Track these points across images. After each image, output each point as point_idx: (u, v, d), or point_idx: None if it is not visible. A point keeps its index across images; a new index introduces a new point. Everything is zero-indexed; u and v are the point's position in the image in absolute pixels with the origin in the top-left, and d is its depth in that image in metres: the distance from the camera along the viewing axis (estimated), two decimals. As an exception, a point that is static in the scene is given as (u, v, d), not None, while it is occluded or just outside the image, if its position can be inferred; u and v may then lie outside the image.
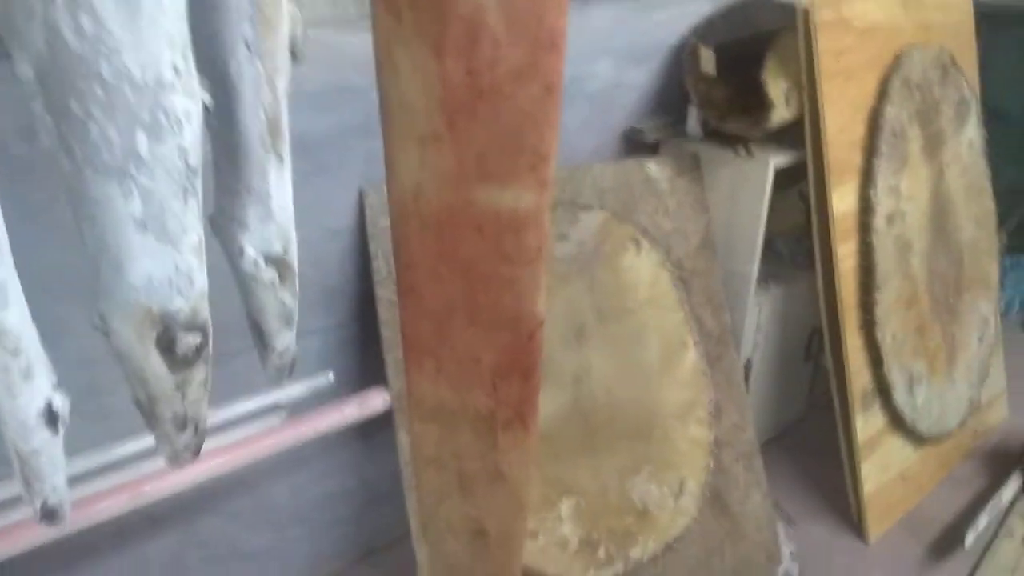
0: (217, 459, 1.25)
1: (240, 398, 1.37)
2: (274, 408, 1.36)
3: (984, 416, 2.42)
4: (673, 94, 2.08)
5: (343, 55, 1.50)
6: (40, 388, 0.64)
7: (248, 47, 0.65)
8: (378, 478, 1.87)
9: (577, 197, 1.89)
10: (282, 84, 0.68)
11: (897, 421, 2.08)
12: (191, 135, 0.61)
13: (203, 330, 0.69)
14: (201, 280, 0.68)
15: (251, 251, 0.73)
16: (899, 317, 2.01)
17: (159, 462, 1.25)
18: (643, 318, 1.91)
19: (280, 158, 0.70)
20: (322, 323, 1.66)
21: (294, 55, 0.69)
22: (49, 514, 0.70)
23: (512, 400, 1.01)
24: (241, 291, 0.77)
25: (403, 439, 1.65)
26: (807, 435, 2.40)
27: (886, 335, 1.96)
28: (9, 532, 1.09)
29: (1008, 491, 2.17)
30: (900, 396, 2.03)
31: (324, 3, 1.51)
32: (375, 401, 1.45)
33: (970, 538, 2.00)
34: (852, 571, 1.98)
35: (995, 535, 2.07)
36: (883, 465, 2.07)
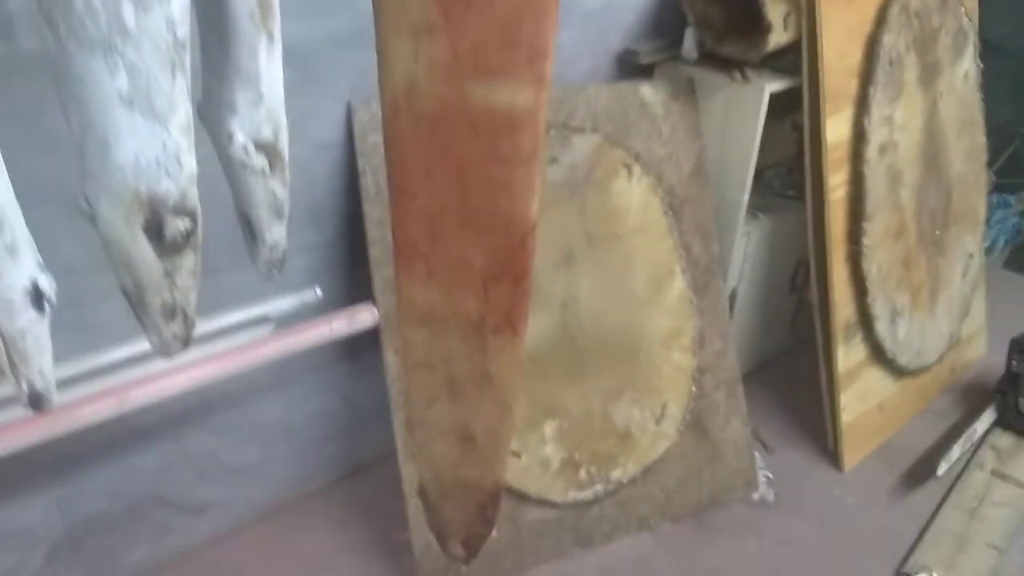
0: (205, 368, 1.24)
1: (228, 310, 1.35)
2: (262, 320, 1.36)
3: (963, 351, 2.46)
4: (670, 15, 2.04)
5: (332, -42, 1.45)
6: (26, 265, 0.62)
7: (237, -88, 0.62)
8: (364, 398, 1.88)
9: (570, 119, 1.86)
10: (273, -44, 0.65)
11: (878, 353, 2.11)
12: (179, 5, 0.59)
13: (192, 215, 0.67)
14: (190, 162, 0.66)
15: (240, 136, 0.71)
16: (886, 249, 2.02)
17: (145, 370, 1.24)
18: (632, 244, 1.90)
19: (271, 36, 0.67)
20: (310, 240, 1.64)
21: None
22: (36, 399, 0.69)
23: (502, 305, 1.00)
24: (230, 181, 0.76)
25: (390, 358, 1.65)
26: (788, 367, 2.44)
27: (872, 266, 1.97)
28: (-3, 433, 1.09)
29: (982, 424, 2.22)
30: (882, 328, 2.05)
31: (312, -99, 1.45)
32: (364, 316, 1.45)
33: (942, 468, 2.05)
34: (826, 497, 2.03)
35: (966, 466, 2.12)
36: (861, 396, 2.11)
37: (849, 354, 2.03)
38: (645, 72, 2.05)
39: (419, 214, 0.92)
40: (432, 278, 0.96)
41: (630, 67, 2.04)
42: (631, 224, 1.90)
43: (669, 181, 1.95)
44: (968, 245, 2.35)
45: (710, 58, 1.97)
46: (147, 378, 1.20)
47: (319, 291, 1.46)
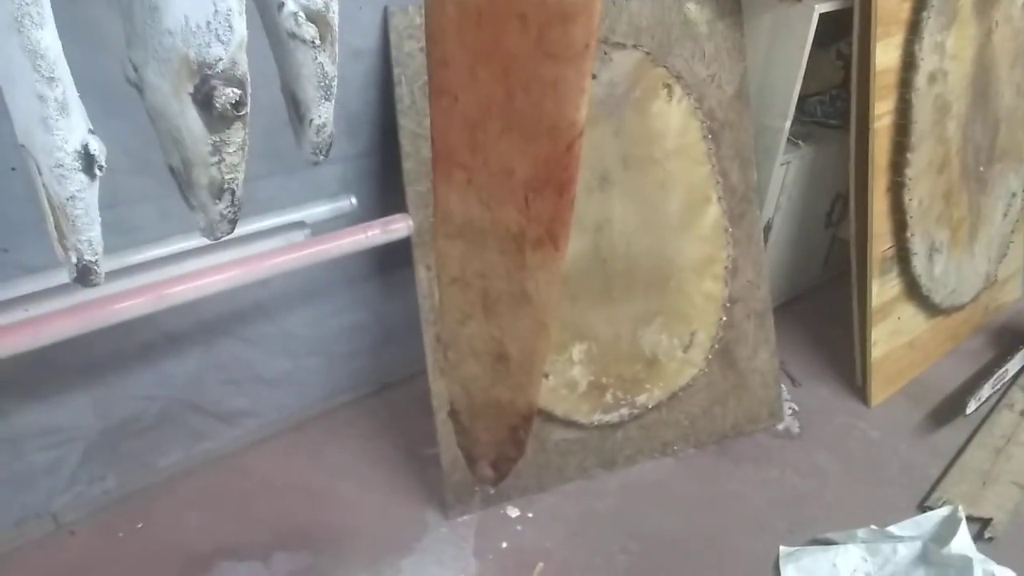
0: (240, 268, 1.24)
1: (263, 214, 1.34)
2: (298, 225, 1.34)
3: (998, 292, 2.42)
4: (718, -69, 1.95)
5: None
6: (77, 126, 0.60)
7: None
8: (395, 313, 1.88)
9: (611, 34, 1.80)
10: None
11: (913, 289, 2.07)
12: None
13: (242, 85, 0.65)
14: (241, 27, 0.63)
15: (291, 4, 0.68)
16: (929, 181, 1.97)
17: (181, 269, 1.24)
18: (669, 168, 1.86)
19: None
20: (344, 151, 1.62)
21: None
22: (84, 271, 0.68)
23: (544, 217, 0.96)
24: (277, 56, 0.73)
25: (422, 274, 1.64)
26: (820, 302, 2.41)
27: (914, 199, 1.92)
28: (34, 324, 1.09)
29: (1014, 365, 2.19)
30: (919, 264, 2.01)
31: None
32: (399, 226, 1.43)
33: (971, 406, 2.03)
34: (851, 431, 2.03)
35: (995, 406, 2.10)
36: (893, 331, 2.08)
37: (883, 289, 2.00)
38: (689, -11, 1.97)
39: (460, 117, 0.88)
40: (471, 186, 0.93)
41: (674, -16, 1.96)
42: (669, 147, 1.86)
43: (710, 104, 1.89)
44: (1011, 184, 2.28)
45: (758, -24, 1.89)
46: (184, 276, 1.20)
47: (353, 200, 1.44)
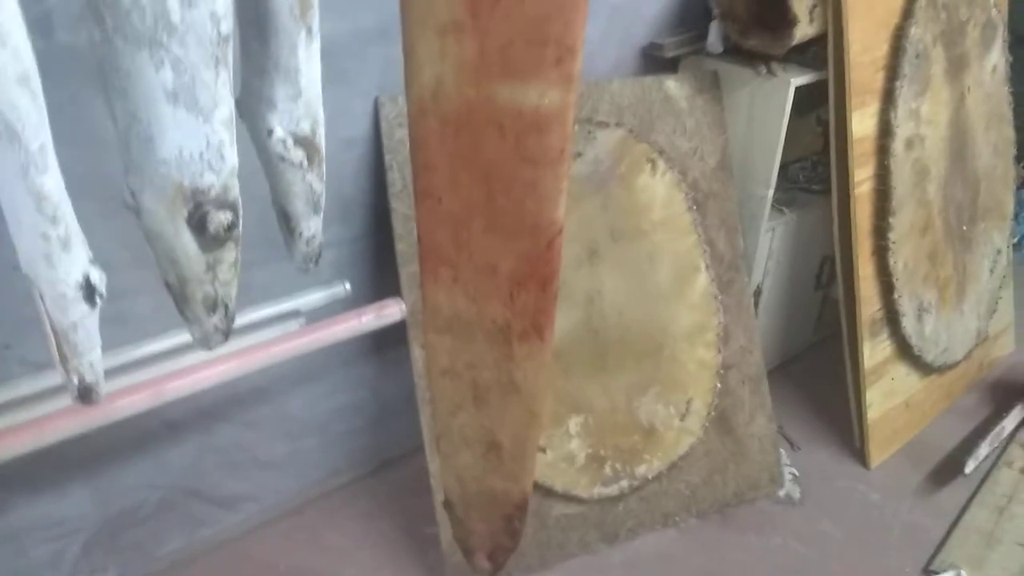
0: (237, 361, 1.26)
1: (260, 304, 1.37)
2: (293, 315, 1.37)
3: (991, 348, 2.44)
4: (695, 9, 2.03)
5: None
6: (78, 259, 0.64)
7: (280, -91, 0.63)
8: (391, 392, 1.90)
9: (594, 114, 1.86)
10: (313, -51, 0.66)
11: (904, 349, 2.09)
12: (223, 0, 0.60)
13: (234, 208, 0.69)
14: (232, 156, 0.67)
15: (280, 131, 0.72)
16: (912, 244, 2.01)
17: (180, 363, 1.26)
18: (656, 240, 1.90)
19: (310, 31, 0.68)
20: (338, 235, 1.66)
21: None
22: (85, 392, 0.71)
23: (529, 310, 0.99)
24: (268, 175, 0.77)
25: (416, 353, 1.66)
26: (814, 363, 2.42)
27: (899, 261, 1.96)
28: (37, 425, 1.11)
29: (1010, 421, 2.19)
30: (909, 324, 2.04)
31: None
32: (392, 310, 1.46)
33: (970, 466, 2.03)
34: (852, 495, 2.02)
35: (995, 464, 2.10)
36: (888, 392, 2.09)
37: (875, 350, 2.02)
38: (670, 65, 2.05)
39: (445, 217, 0.92)
40: (457, 283, 0.96)
41: (655, 60, 2.03)
42: (655, 219, 1.91)
43: (693, 175, 1.95)
44: (995, 241, 2.32)
45: (735, 51, 1.96)
46: (182, 371, 1.22)
47: (348, 286, 1.48)
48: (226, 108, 0.65)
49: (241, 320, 1.32)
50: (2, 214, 0.63)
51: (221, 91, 0.64)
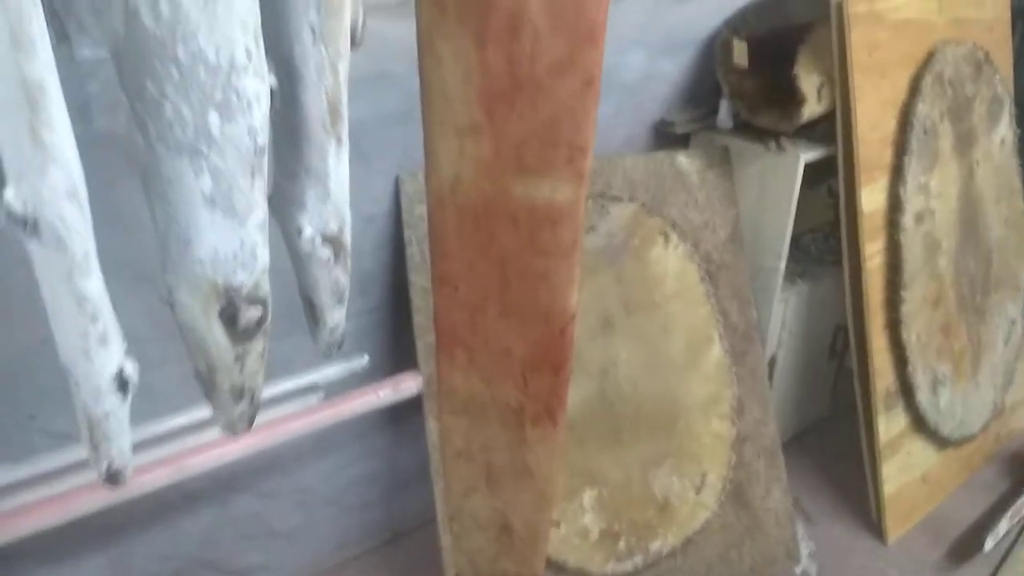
0: (258, 436, 1.28)
1: (280, 378, 1.40)
2: (312, 388, 1.40)
3: (1008, 420, 2.42)
4: (705, 86, 2.09)
5: (384, 43, 1.52)
6: (114, 354, 0.67)
7: (313, 33, 0.68)
8: (407, 463, 1.90)
9: (608, 189, 1.90)
10: (343, 68, 0.71)
11: (920, 423, 2.08)
12: (260, 115, 0.64)
13: (264, 304, 0.72)
14: (264, 255, 0.71)
15: (309, 230, 0.76)
16: (925, 317, 2.01)
17: (201, 437, 1.28)
18: (670, 311, 1.92)
19: (339, 140, 0.72)
20: (358, 307, 1.69)
21: (354, 40, 0.72)
22: (114, 476, 0.73)
23: (542, 394, 1.02)
24: (296, 269, 0.80)
25: (432, 425, 1.68)
26: (830, 434, 2.41)
27: (911, 335, 1.97)
28: (61, 501, 1.13)
29: (1030, 495, 2.16)
30: (924, 397, 2.03)
31: (365, -8, 1.54)
32: (408, 384, 1.48)
33: (989, 543, 2.00)
34: (870, 572, 1.99)
35: (1015, 541, 2.06)
36: (904, 466, 2.07)
37: (890, 424, 2.01)
38: (681, 141, 2.10)
39: (461, 303, 0.95)
40: (473, 366, 0.99)
41: (667, 136, 2.09)
42: (668, 291, 1.93)
43: (705, 248, 1.98)
44: (1010, 312, 2.33)
45: (745, 128, 2.01)
46: (204, 446, 1.24)
47: (366, 359, 1.51)
48: (260, 212, 0.68)
49: (263, 394, 1.34)
50: (26, 294, 0.66)
51: (256, 197, 0.67)
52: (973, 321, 2.18)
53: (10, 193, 0.57)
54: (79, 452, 1.24)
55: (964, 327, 2.15)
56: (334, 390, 1.52)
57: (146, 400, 1.40)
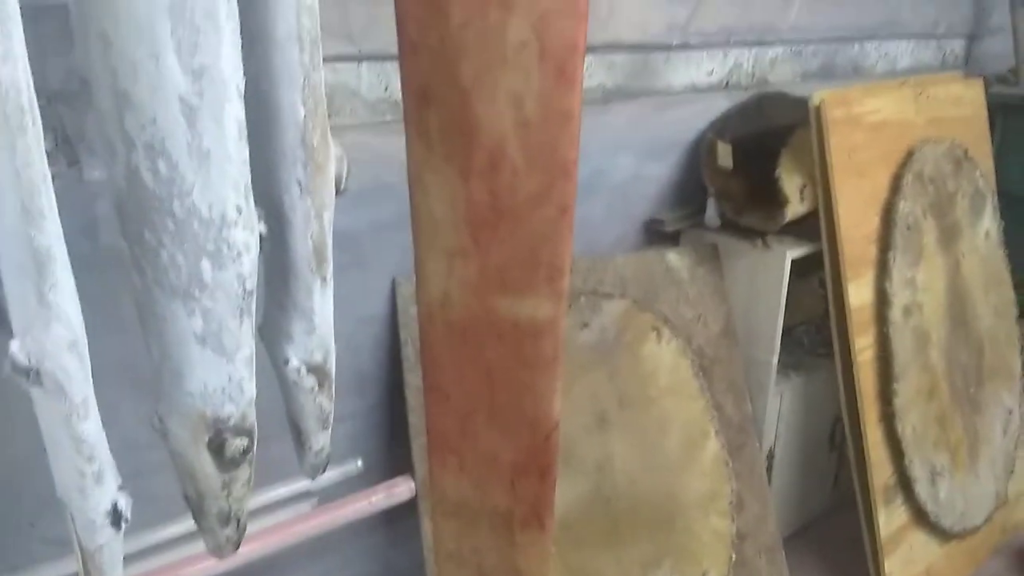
0: (251, 544, 1.30)
1: (273, 484, 1.42)
2: (305, 495, 1.42)
3: (1012, 511, 2.39)
4: (692, 186, 2.17)
5: (381, 156, 1.61)
6: (108, 490, 0.70)
7: (300, 186, 0.74)
8: (403, 564, 1.89)
9: (599, 286, 1.95)
10: (328, 216, 0.77)
11: (920, 516, 2.07)
12: (249, 263, 0.69)
13: (250, 434, 0.76)
14: (250, 389, 0.75)
15: (295, 361, 0.80)
16: (919, 409, 2.03)
17: (198, 545, 1.30)
18: (665, 406, 1.94)
19: (324, 280, 0.78)
20: (353, 407, 1.72)
21: (338, 190, 0.78)
22: (103, 603, 0.75)
23: (529, 498, 1.06)
24: (284, 395, 0.84)
25: (427, 526, 1.68)
26: (833, 527, 2.38)
27: (906, 427, 1.97)
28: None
29: (1040, 588, 2.13)
30: (923, 490, 2.02)
31: (364, 109, 1.63)
32: (401, 489, 1.50)
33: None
34: (880, 669, 1.94)
35: (1027, 635, 2.02)
36: (907, 560, 2.05)
37: (891, 518, 1.99)
38: (671, 239, 2.16)
39: (451, 411, 1.00)
40: (463, 472, 1.03)
41: (657, 234, 2.15)
42: (662, 386, 1.96)
43: (698, 342, 2.01)
44: (1006, 401, 2.33)
45: (732, 226, 2.08)
46: (197, 556, 1.26)
47: (360, 464, 1.53)
48: (247, 349, 0.73)
49: (256, 501, 1.36)
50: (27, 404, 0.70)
51: (244, 336, 0.72)
52: (968, 412, 2.19)
53: (15, 346, 0.61)
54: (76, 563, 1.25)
55: (960, 418, 2.16)
56: (328, 495, 1.53)
57: (144, 506, 1.43)
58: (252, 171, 0.71)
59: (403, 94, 0.88)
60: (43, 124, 0.69)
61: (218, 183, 0.67)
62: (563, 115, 0.84)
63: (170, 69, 0.63)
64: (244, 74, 0.66)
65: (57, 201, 0.70)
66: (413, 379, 1.74)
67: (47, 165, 0.60)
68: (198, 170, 0.66)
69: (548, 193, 0.88)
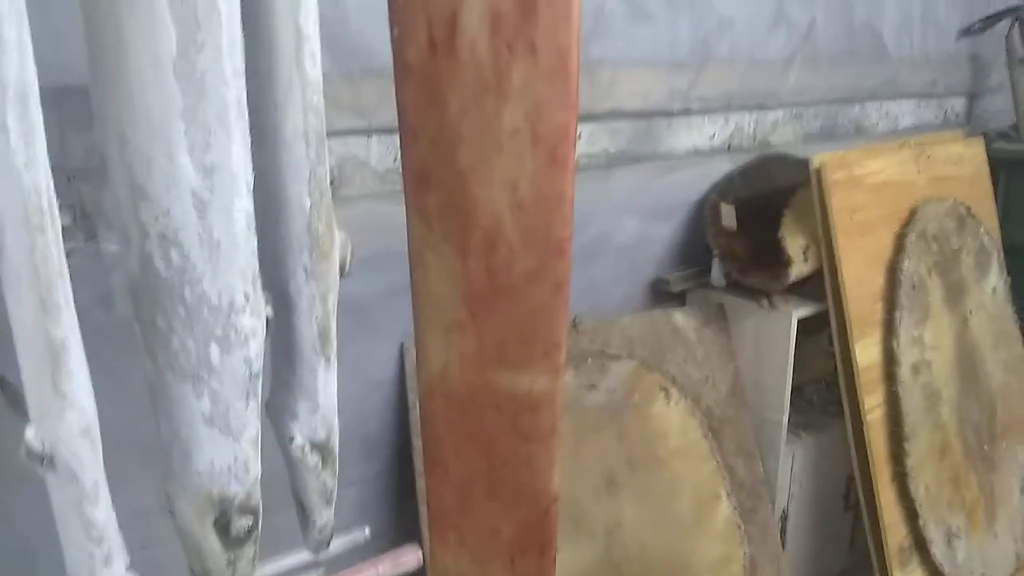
0: (257, 615, 1.29)
1: (279, 554, 1.42)
2: (312, 565, 1.42)
3: (1035, 570, 2.34)
4: (697, 246, 2.19)
5: (389, 224, 1.64)
6: (116, 572, 0.72)
7: (306, 272, 0.77)
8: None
9: (606, 347, 1.97)
10: (332, 299, 0.80)
11: (939, 577, 2.03)
12: (255, 347, 0.72)
13: (255, 513, 0.77)
14: (255, 468, 0.77)
15: (299, 439, 0.82)
16: (932, 468, 2.01)
17: (202, 617, 1.30)
18: (675, 468, 1.94)
19: (328, 360, 0.80)
20: (361, 472, 1.73)
21: (343, 274, 0.81)
22: None
23: (530, 575, 1.06)
24: (288, 471, 0.86)
25: (436, 591, 1.67)
26: (849, 588, 2.34)
27: (919, 487, 1.95)
28: None
29: (1067, 654, 2.07)
30: (939, 551, 1.99)
31: (374, 180, 1.68)
32: (408, 559, 1.50)
33: None
34: None
35: None
36: (928, 624, 2.01)
37: (908, 580, 1.96)
38: (677, 298, 2.18)
39: (451, 486, 1.01)
40: (463, 547, 1.03)
41: (663, 294, 2.17)
42: (672, 447, 1.95)
43: (707, 403, 2.01)
44: (1021, 458, 2.30)
45: (738, 285, 2.09)
46: (203, 628, 1.25)
47: (367, 531, 1.53)
48: (253, 429, 0.75)
49: (262, 572, 1.36)
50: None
51: (250, 417, 0.74)
52: (983, 470, 2.17)
53: (30, 432, 0.64)
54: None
55: (974, 477, 2.13)
56: (336, 563, 1.53)
57: (154, 573, 1.43)
58: (260, 257, 0.74)
59: (403, 177, 0.92)
60: (62, 201, 0.73)
61: (227, 272, 0.70)
62: (556, 197, 0.87)
63: (183, 166, 0.67)
64: (253, 168, 0.70)
65: (74, 274, 0.73)
66: (420, 444, 1.75)
67: (65, 261, 0.64)
68: (208, 259, 0.70)
69: (543, 271, 0.91)
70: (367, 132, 1.63)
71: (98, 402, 0.82)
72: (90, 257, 1.40)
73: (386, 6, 0.90)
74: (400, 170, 1.78)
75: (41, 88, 0.68)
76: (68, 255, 0.72)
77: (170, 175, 0.67)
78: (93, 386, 0.79)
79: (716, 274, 2.12)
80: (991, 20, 2.70)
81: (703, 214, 2.13)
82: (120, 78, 0.67)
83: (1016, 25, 2.65)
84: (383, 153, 1.68)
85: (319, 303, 0.78)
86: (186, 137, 0.65)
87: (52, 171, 0.66)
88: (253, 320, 0.71)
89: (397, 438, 1.78)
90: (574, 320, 1.91)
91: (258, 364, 0.73)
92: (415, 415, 1.75)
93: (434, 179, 0.88)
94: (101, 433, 0.80)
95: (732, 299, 2.09)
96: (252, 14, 0.67)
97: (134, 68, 0.65)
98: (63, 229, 0.68)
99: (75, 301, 0.72)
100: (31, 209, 0.59)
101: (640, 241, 2.13)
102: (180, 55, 0.62)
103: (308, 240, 0.75)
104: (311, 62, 0.72)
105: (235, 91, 0.64)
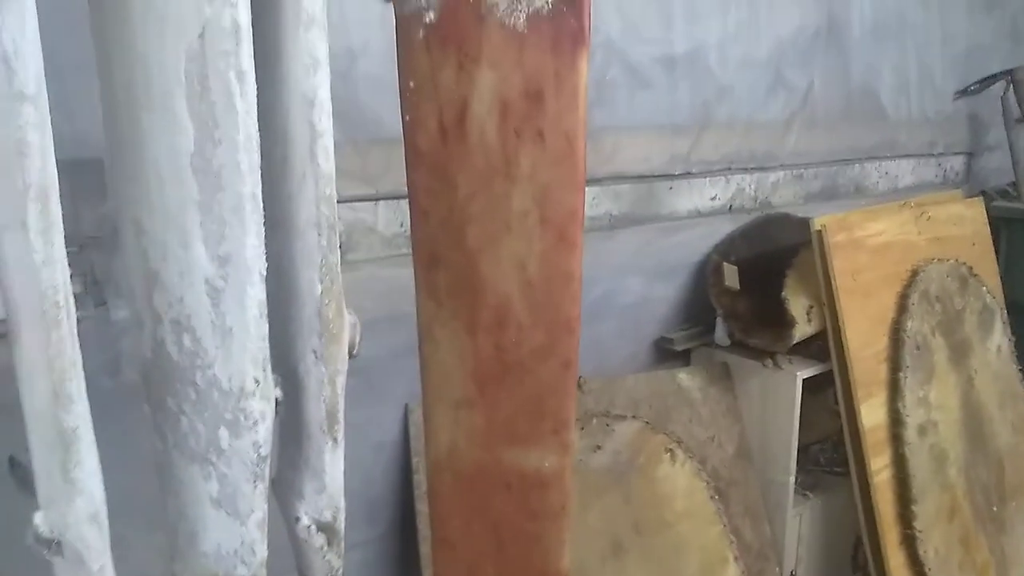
0: None
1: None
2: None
3: (1050, 635, 2.29)
4: (701, 305, 2.20)
5: (395, 287, 1.66)
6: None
7: (315, 355, 0.78)
8: None
9: (611, 408, 1.97)
10: (340, 381, 0.81)
11: (953, 643, 1.99)
12: (264, 431, 0.73)
13: (261, 597, 0.77)
14: (262, 550, 0.77)
15: (305, 519, 0.82)
16: (941, 529, 1.98)
17: None
18: (681, 531, 1.92)
19: (335, 440, 0.81)
20: (365, 536, 1.71)
21: (351, 355, 0.82)
22: None
23: None
24: (294, 550, 0.86)
25: (439, 659, 1.64)
26: (861, 653, 2.29)
27: (929, 550, 1.93)
28: None
29: None
30: (952, 616, 1.96)
31: (380, 244, 1.70)
32: (413, 627, 1.48)
33: None
34: None
35: None
36: None
37: (920, 647, 1.92)
38: (681, 357, 2.18)
39: (458, 563, 1.01)
40: (473, 628, 1.02)
41: (667, 353, 2.17)
42: (678, 509, 1.93)
43: (713, 464, 2.00)
44: (1032, 519, 2.28)
45: (742, 345, 2.10)
46: None
47: (371, 599, 1.52)
48: (260, 512, 0.75)
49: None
50: None
51: (258, 499, 0.75)
52: (993, 531, 2.14)
53: (39, 518, 0.64)
54: None
55: (984, 538, 2.11)
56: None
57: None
58: (271, 338, 0.75)
59: (413, 256, 0.94)
60: (74, 269, 0.74)
61: (238, 357, 0.71)
62: (565, 276, 0.88)
63: (198, 256, 0.68)
64: (267, 254, 0.72)
65: (83, 339, 0.74)
66: (425, 508, 1.73)
67: (79, 350, 0.65)
68: (220, 345, 0.71)
69: (552, 348, 0.92)
70: (374, 199, 1.66)
71: (101, 466, 0.82)
72: (99, 323, 1.42)
73: (395, 78, 0.92)
74: (406, 233, 1.81)
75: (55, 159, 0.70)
76: (78, 322, 0.73)
77: (184, 263, 0.69)
78: (97, 450, 0.79)
79: (720, 334, 2.13)
80: (986, 82, 2.75)
81: (706, 274, 2.15)
82: (137, 170, 0.69)
83: (1010, 86, 2.69)
84: (390, 218, 1.70)
85: (328, 385, 0.79)
86: (201, 228, 0.67)
87: (63, 239, 0.67)
88: (263, 404, 0.72)
89: (400, 499, 1.77)
90: (579, 380, 1.91)
91: (267, 448, 0.74)
92: (419, 478, 1.74)
93: (443, 258, 0.90)
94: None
95: (736, 359, 2.09)
96: (268, 110, 0.69)
97: (151, 161, 0.67)
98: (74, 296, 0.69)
99: (83, 365, 0.73)
100: (47, 305, 0.60)
101: (644, 301, 2.14)
102: (197, 151, 0.64)
103: (318, 324, 0.76)
104: (324, 156, 0.74)
105: (250, 185, 0.66)
